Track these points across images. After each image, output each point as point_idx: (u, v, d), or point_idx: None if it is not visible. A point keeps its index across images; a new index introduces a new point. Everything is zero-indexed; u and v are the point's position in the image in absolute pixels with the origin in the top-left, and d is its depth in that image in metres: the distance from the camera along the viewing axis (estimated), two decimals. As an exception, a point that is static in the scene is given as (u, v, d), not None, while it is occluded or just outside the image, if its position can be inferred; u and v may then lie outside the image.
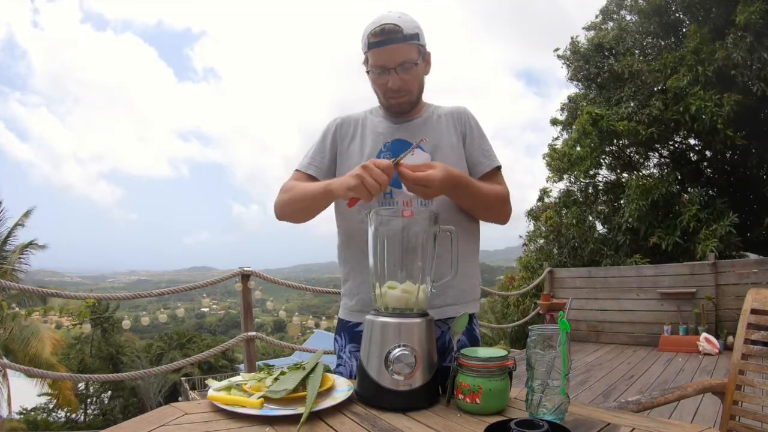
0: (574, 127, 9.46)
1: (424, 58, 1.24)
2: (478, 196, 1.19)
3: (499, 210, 1.25)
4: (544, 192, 10.10)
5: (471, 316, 1.24)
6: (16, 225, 12.47)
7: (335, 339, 1.32)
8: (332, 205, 1.26)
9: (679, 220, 7.65)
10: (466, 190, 1.16)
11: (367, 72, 1.25)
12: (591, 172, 9.73)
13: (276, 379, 0.99)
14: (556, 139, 10.56)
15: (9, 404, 11.79)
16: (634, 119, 8.32)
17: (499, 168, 1.31)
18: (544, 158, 10.37)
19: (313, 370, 1.00)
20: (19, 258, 12.04)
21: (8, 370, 10.04)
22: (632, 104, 8.54)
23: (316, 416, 0.88)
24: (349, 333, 1.26)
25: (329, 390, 0.98)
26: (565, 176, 10.04)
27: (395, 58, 1.16)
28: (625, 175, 9.90)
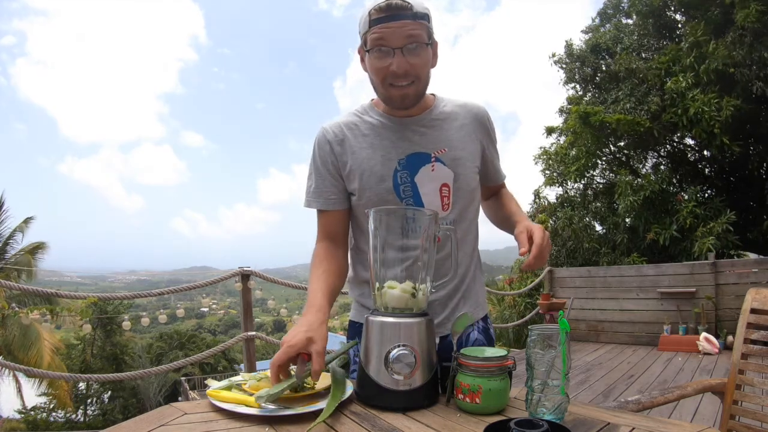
0: (570, 128, 9.46)
1: (432, 45, 1.08)
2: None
3: None
4: (537, 194, 10.09)
5: (485, 316, 1.26)
6: (16, 230, 12.53)
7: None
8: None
9: (676, 217, 7.66)
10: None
11: (366, 53, 1.07)
12: (587, 174, 9.72)
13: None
14: (553, 144, 10.53)
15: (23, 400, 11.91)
16: (633, 114, 8.30)
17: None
18: (535, 162, 10.31)
19: (336, 381, 0.97)
20: (34, 258, 12.16)
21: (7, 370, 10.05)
22: (629, 102, 8.53)
23: (315, 416, 0.87)
24: None
25: (328, 389, 0.98)
26: (560, 182, 10.00)
27: (402, 34, 1.01)
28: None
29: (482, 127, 1.19)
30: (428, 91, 1.16)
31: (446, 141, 1.13)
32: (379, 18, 1.02)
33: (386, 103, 1.12)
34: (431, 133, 1.13)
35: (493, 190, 1.32)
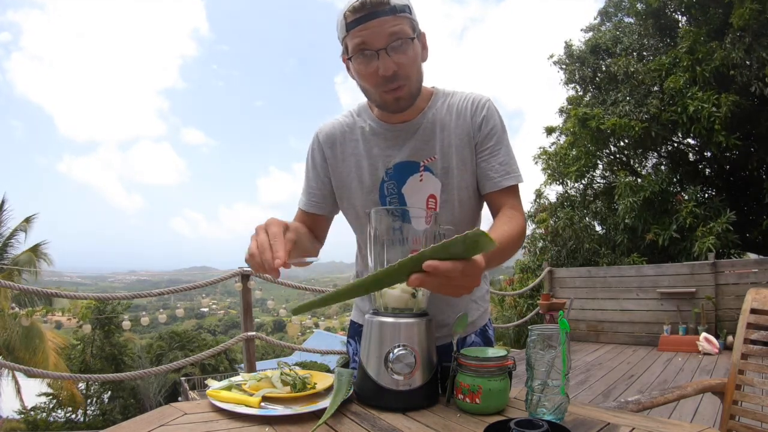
0: (569, 129, 9.48)
1: (419, 38, 1.00)
2: (505, 251, 0.95)
3: (517, 249, 1.01)
4: (539, 194, 10.08)
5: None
6: (17, 230, 12.54)
7: (348, 342, 1.30)
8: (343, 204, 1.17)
9: (676, 217, 7.66)
10: (497, 255, 0.89)
11: (349, 61, 0.99)
12: (588, 175, 9.73)
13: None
14: (553, 144, 10.52)
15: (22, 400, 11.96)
16: (630, 117, 8.31)
17: (515, 184, 1.07)
18: (535, 162, 10.31)
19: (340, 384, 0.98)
20: (38, 258, 12.19)
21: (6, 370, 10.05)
22: (628, 105, 8.54)
23: (315, 416, 0.88)
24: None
25: (328, 390, 0.98)
26: (561, 181, 10.01)
27: (383, 33, 0.92)
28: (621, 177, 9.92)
29: (474, 122, 1.06)
30: (431, 83, 1.10)
31: (437, 148, 1.05)
32: (356, 19, 0.93)
33: (381, 108, 1.05)
34: (422, 140, 1.06)
35: (492, 204, 1.10)
